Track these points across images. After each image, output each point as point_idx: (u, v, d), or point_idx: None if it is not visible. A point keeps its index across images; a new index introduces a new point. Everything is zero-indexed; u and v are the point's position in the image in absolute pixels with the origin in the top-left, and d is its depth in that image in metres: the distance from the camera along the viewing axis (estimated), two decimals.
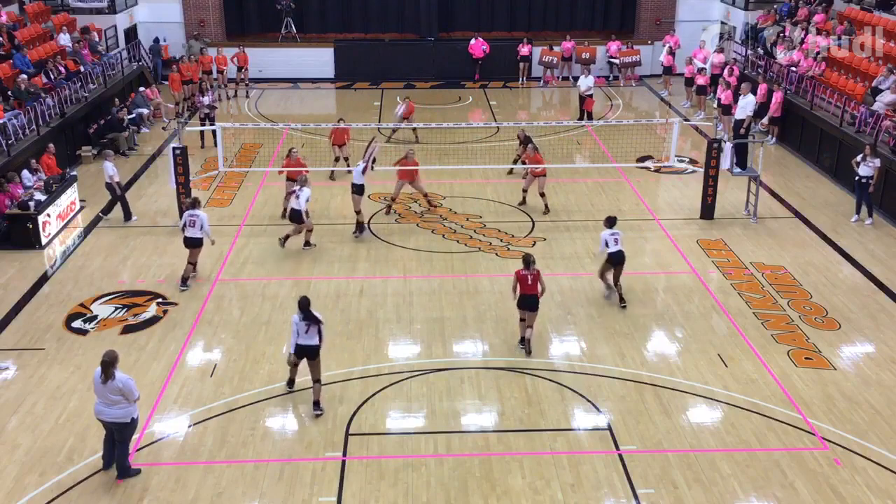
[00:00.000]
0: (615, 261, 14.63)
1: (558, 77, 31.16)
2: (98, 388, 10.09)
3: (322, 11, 32.93)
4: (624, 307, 14.59)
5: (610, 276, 14.91)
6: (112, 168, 17.94)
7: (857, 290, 15.40)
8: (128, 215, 18.31)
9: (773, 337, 13.78)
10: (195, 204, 15.40)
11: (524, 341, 13.28)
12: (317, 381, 11.69)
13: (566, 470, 10.62)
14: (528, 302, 13.01)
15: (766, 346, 13.51)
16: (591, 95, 25.52)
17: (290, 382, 12.23)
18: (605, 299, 14.92)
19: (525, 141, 20.06)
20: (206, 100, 23.61)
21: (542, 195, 18.66)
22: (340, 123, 20.99)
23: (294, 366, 12.01)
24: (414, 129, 23.55)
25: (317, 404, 11.69)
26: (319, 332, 11.47)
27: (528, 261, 12.96)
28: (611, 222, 14.77)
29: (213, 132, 22.27)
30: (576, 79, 29.29)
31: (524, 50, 30.67)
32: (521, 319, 13.30)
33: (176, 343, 13.57)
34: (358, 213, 17.42)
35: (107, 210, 18.47)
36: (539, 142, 21.82)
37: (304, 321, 11.38)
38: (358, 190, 17.22)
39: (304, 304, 11.39)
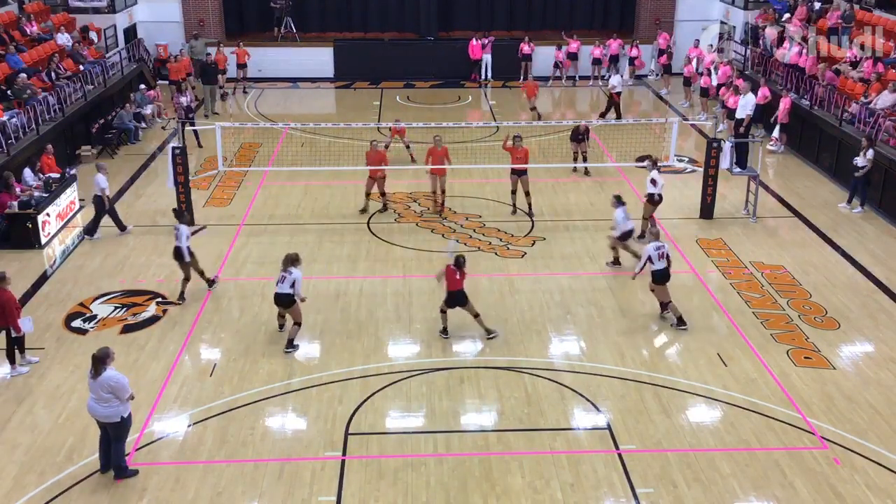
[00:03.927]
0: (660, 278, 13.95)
1: (560, 77, 31.17)
2: (90, 383, 10.10)
3: (321, 11, 32.94)
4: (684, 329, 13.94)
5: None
6: (104, 181, 17.26)
7: (856, 290, 15.40)
8: (121, 227, 17.68)
9: (772, 336, 13.78)
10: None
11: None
12: (296, 324, 13.28)
13: (566, 469, 10.63)
14: (456, 298, 13.49)
15: (766, 345, 13.52)
16: (618, 93, 25.50)
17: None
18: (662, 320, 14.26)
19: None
20: (185, 100, 23.58)
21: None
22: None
23: None
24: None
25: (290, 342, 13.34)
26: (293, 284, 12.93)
27: (458, 263, 13.38)
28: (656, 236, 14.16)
29: (196, 133, 22.33)
30: (582, 78, 30.20)
31: (526, 49, 30.70)
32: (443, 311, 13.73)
33: (175, 343, 13.57)
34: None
35: (92, 229, 17.50)
36: (539, 141, 21.85)
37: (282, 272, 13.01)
38: None
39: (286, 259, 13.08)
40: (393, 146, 21.54)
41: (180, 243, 14.56)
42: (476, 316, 13.55)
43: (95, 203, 17.45)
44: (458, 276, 13.28)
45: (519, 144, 18.15)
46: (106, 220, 18.13)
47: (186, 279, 14.87)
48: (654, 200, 16.88)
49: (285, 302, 13.11)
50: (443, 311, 13.63)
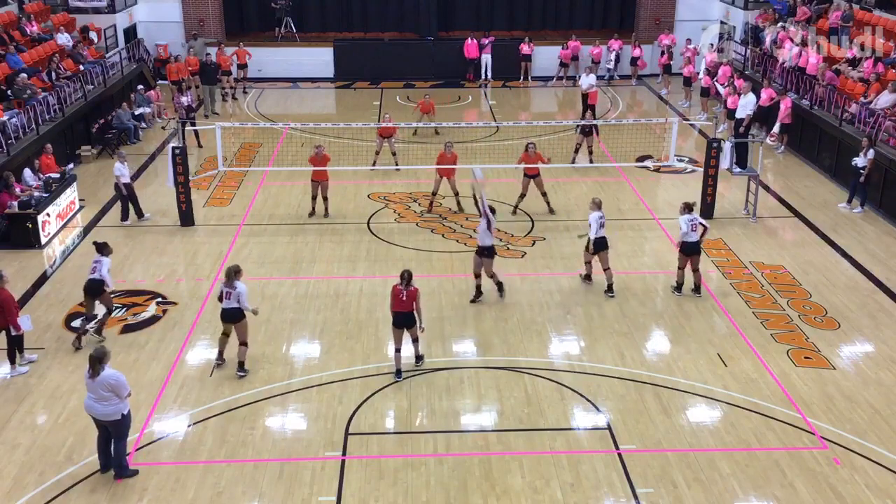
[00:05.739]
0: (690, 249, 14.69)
1: (563, 77, 31.17)
2: (88, 383, 10.11)
3: (321, 11, 32.95)
4: (698, 294, 14.98)
5: (686, 269, 14.90)
6: (118, 168, 17.76)
7: (856, 290, 15.40)
8: (139, 213, 18.27)
9: (772, 336, 13.78)
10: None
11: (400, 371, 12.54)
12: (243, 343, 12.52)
13: (565, 469, 10.63)
14: (402, 319, 12.23)
15: (766, 345, 13.52)
16: (592, 93, 25.50)
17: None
18: (676, 294, 15.05)
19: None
20: (185, 100, 23.57)
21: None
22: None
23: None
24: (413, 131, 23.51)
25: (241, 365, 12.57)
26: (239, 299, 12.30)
27: (404, 277, 12.07)
28: (689, 208, 14.72)
29: (196, 132, 22.37)
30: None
31: (526, 49, 30.71)
32: (397, 350, 12.42)
33: (175, 343, 13.57)
34: (478, 276, 14.85)
35: (124, 216, 18.18)
36: (538, 141, 21.83)
37: (226, 287, 12.31)
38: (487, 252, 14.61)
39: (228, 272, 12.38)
40: (383, 151, 21.43)
41: (98, 275, 13.28)
42: (415, 340, 12.58)
43: (116, 190, 18.21)
44: (403, 298, 12.01)
45: (533, 151, 18.26)
46: (106, 220, 18.18)
47: (109, 311, 13.73)
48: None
49: (235, 318, 12.34)
50: (398, 351, 12.38)
